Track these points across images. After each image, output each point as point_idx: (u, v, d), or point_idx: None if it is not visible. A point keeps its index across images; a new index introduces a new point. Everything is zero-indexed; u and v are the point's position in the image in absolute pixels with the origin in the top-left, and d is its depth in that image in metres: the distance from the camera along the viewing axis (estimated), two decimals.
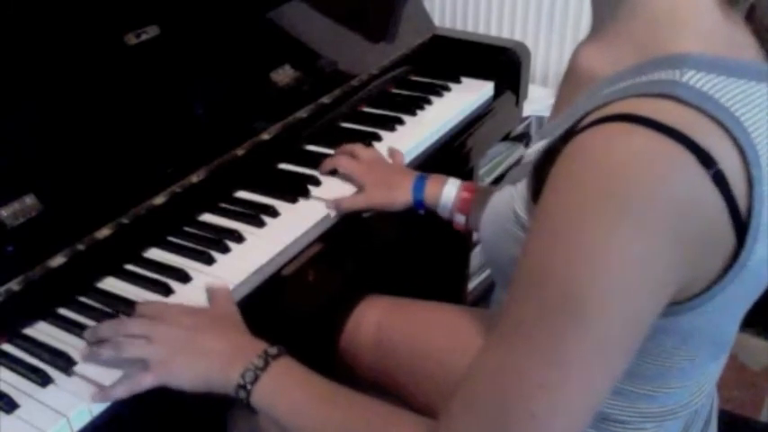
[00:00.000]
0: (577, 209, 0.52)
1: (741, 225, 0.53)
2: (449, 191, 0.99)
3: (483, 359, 0.58)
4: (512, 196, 0.66)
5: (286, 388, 0.69)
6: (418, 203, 1.00)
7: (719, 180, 0.51)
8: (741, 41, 0.58)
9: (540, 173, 0.58)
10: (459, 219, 1.00)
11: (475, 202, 0.98)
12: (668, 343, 0.61)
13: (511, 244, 0.64)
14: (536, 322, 0.54)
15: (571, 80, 0.69)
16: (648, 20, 0.59)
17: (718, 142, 0.51)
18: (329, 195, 0.99)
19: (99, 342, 0.73)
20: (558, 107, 0.72)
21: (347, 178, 1.03)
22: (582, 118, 0.56)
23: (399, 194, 1.00)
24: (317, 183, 1.03)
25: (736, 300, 0.60)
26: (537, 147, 0.64)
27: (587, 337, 0.52)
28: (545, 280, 0.53)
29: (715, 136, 0.51)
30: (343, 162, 1.04)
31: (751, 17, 0.59)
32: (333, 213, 0.97)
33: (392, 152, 1.10)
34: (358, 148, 1.07)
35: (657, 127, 0.50)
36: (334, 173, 1.04)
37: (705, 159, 0.50)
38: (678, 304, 0.57)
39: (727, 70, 0.54)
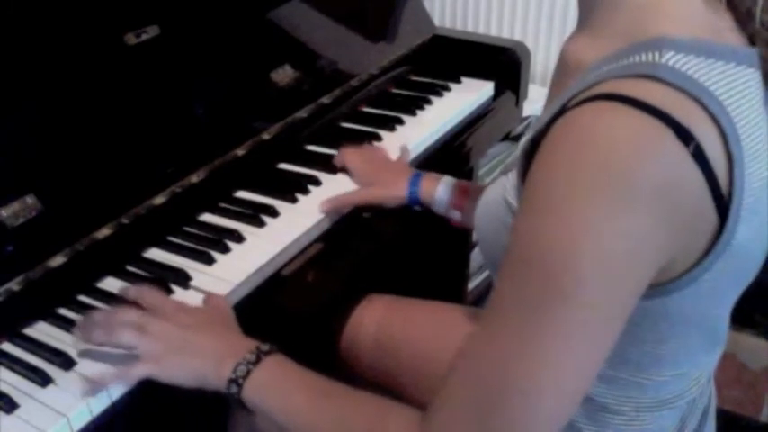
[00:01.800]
0: (561, 187, 0.53)
1: (723, 204, 0.54)
2: (444, 187, 1.00)
3: (471, 344, 0.59)
4: (503, 187, 0.67)
5: (278, 382, 0.69)
6: (413, 200, 1.01)
7: (699, 156, 0.52)
8: (722, 26, 0.59)
9: (529, 160, 0.59)
10: (455, 215, 1.01)
11: (470, 198, 0.99)
12: (657, 328, 0.62)
13: (504, 234, 0.65)
14: (521, 302, 0.54)
15: (560, 75, 0.70)
16: (631, 8, 0.60)
17: (698, 120, 0.52)
18: (328, 195, 0.99)
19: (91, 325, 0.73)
20: (549, 101, 0.73)
21: (348, 176, 1.04)
22: (567, 102, 0.57)
23: (394, 190, 1.01)
24: (317, 183, 1.03)
25: (722, 283, 0.60)
26: (528, 136, 0.65)
27: (572, 315, 0.53)
28: (529, 258, 0.54)
29: (694, 114, 0.52)
30: (348, 157, 1.06)
31: (731, 3, 0.61)
32: (325, 213, 0.97)
33: (402, 149, 1.11)
34: (365, 146, 1.09)
35: (637, 105, 0.51)
36: (343, 170, 1.06)
37: (684, 135, 0.51)
38: (663, 285, 0.58)
39: (707, 52, 0.55)
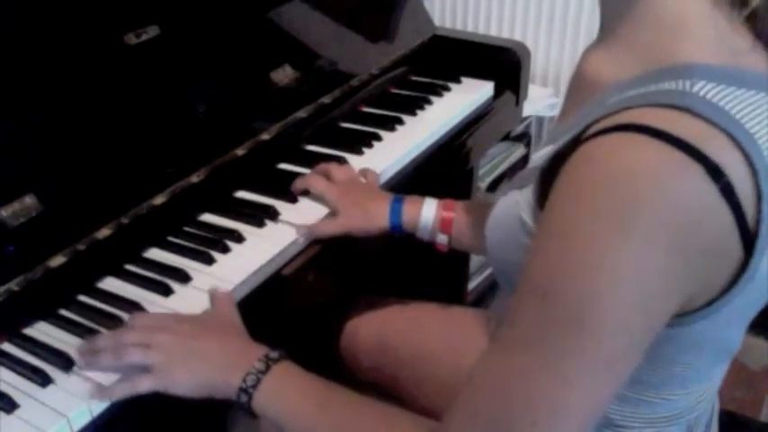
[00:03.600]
0: (584, 219, 0.52)
1: (749, 238, 0.53)
2: (428, 211, 0.95)
3: (485, 366, 0.58)
4: (517, 203, 0.65)
5: (288, 391, 0.69)
6: (396, 228, 0.96)
7: (728, 193, 0.50)
8: (743, 47, 0.58)
9: (547, 179, 0.58)
10: (442, 239, 0.96)
11: (456, 219, 0.95)
12: (673, 352, 0.61)
13: (516, 250, 0.64)
14: (539, 332, 0.54)
15: (578, 85, 0.68)
16: (655, 26, 0.59)
17: (728, 155, 0.51)
18: (300, 223, 0.94)
19: (97, 352, 0.72)
20: (565, 112, 0.71)
21: (320, 197, 0.97)
22: (589, 126, 0.56)
23: (375, 220, 0.95)
24: None
25: (742, 311, 0.60)
26: (543, 152, 0.64)
27: (591, 348, 0.52)
28: (549, 290, 0.53)
29: (725, 148, 0.51)
30: (315, 183, 0.98)
31: (751, 22, 0.59)
32: (302, 239, 0.92)
33: (365, 172, 1.04)
34: (333, 168, 1.01)
35: (667, 138, 0.50)
36: (306, 193, 0.99)
37: (714, 172, 0.50)
38: (684, 315, 0.56)
39: (737, 81, 0.54)
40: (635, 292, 0.51)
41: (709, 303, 0.56)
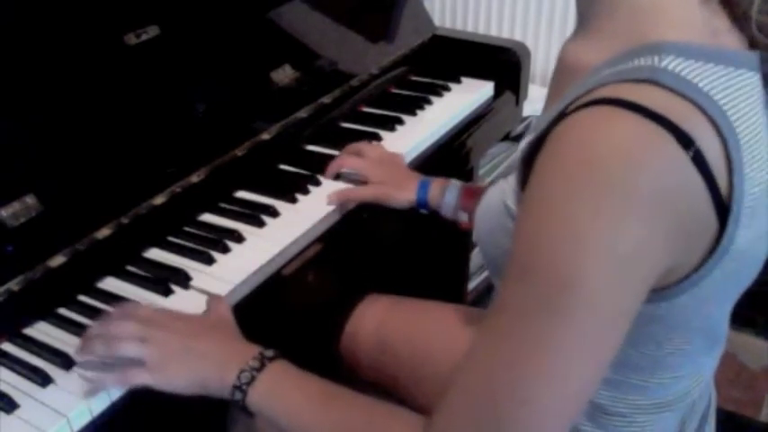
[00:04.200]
0: (562, 193, 0.52)
1: (723, 209, 0.54)
2: (452, 191, 1.00)
3: (474, 350, 0.58)
4: (503, 190, 0.67)
5: (282, 388, 0.69)
6: (422, 203, 1.01)
7: (699, 161, 0.51)
8: (720, 28, 0.59)
9: (529, 163, 0.58)
10: (463, 217, 1.00)
11: (478, 200, 0.98)
12: (657, 332, 0.62)
13: (504, 237, 0.65)
14: (523, 311, 0.54)
15: (559, 76, 0.70)
16: (629, 11, 0.60)
17: (698, 125, 0.52)
18: (333, 191, 0.99)
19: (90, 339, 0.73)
20: (548, 104, 0.72)
21: (350, 180, 1.03)
22: (567, 106, 0.57)
23: (405, 192, 1.01)
24: (317, 183, 1.03)
25: (722, 287, 0.60)
26: (526, 140, 0.65)
27: (575, 323, 0.52)
28: (531, 267, 0.54)
29: (694, 119, 0.52)
30: (349, 161, 1.05)
31: (728, 3, 0.60)
32: (332, 208, 0.97)
33: (392, 155, 1.10)
34: (364, 146, 1.08)
35: (637, 109, 0.51)
36: (338, 177, 1.05)
37: (684, 140, 0.51)
38: (663, 290, 0.57)
39: (706, 56, 0.55)
40: (613, 264, 0.52)
41: (688, 276, 0.57)
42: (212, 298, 0.81)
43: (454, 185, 1.01)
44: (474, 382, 0.57)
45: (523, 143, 0.66)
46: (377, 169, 1.03)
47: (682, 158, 0.51)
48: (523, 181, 0.61)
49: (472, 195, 0.99)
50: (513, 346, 0.55)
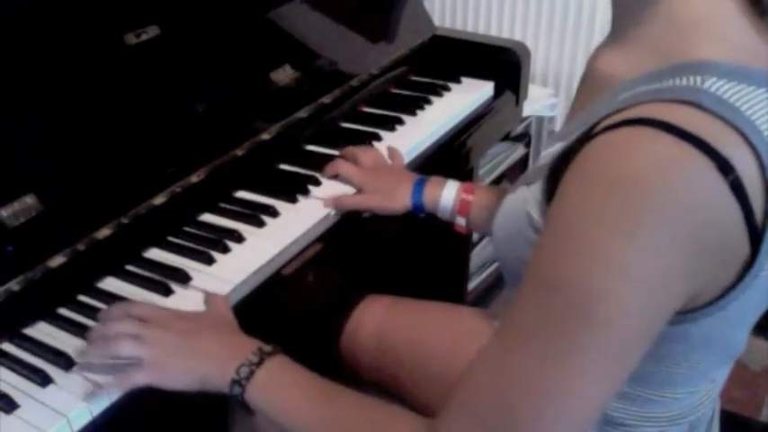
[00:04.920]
0: (593, 213, 0.51)
1: (756, 235, 0.53)
2: (448, 193, 0.99)
3: (485, 359, 0.58)
4: (525, 199, 0.65)
5: (281, 384, 0.69)
6: (417, 208, 1.00)
7: (737, 188, 0.50)
8: (764, 48, 0.57)
9: (555, 176, 0.58)
10: (460, 221, 0.99)
11: (475, 203, 0.98)
12: (678, 350, 0.61)
13: (524, 246, 0.64)
14: (544, 325, 0.53)
15: (588, 84, 0.68)
16: (668, 23, 0.58)
17: (738, 150, 0.50)
18: (329, 195, 0.99)
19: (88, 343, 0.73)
20: (575, 110, 0.71)
21: (348, 181, 1.03)
22: (599, 121, 0.56)
23: (399, 200, 0.99)
24: (317, 183, 1.03)
25: (747, 310, 0.60)
26: (553, 149, 0.64)
27: (596, 343, 0.52)
28: (556, 283, 0.53)
29: (734, 144, 0.51)
30: (343, 169, 1.03)
31: None
32: (331, 210, 0.97)
33: (391, 152, 1.10)
34: (360, 152, 1.06)
35: (677, 132, 0.50)
36: (335, 177, 1.04)
37: (724, 166, 0.49)
38: (689, 312, 0.56)
39: (749, 79, 0.53)
40: (641, 287, 0.51)
41: (715, 301, 0.56)
42: (210, 294, 0.81)
43: (451, 186, 0.99)
44: (484, 390, 0.57)
45: (548, 152, 0.65)
46: (370, 177, 1.02)
47: (720, 184, 0.50)
48: (549, 193, 0.60)
49: (470, 194, 0.98)
50: (529, 360, 0.54)
